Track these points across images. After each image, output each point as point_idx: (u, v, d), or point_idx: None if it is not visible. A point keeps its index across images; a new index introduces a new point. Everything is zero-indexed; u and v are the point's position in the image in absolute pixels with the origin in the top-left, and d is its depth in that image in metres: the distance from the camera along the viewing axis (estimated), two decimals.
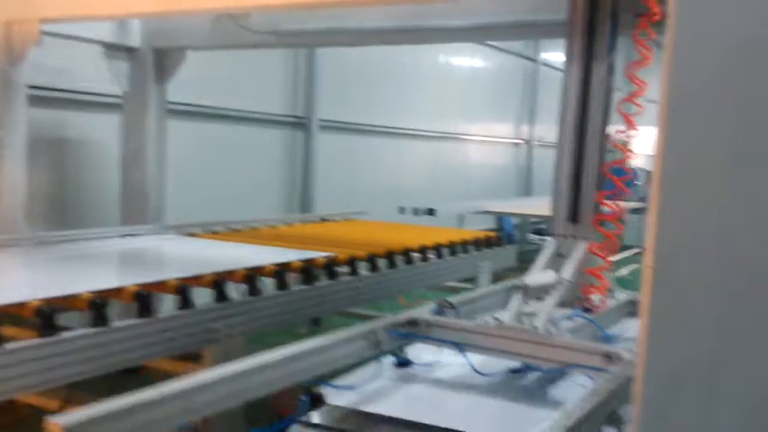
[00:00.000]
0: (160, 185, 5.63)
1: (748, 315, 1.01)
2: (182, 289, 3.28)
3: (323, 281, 4.14)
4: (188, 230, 5.17)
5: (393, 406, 2.67)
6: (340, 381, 2.72)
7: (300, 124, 9.05)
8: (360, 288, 4.38)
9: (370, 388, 2.77)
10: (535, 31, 5.42)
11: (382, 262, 4.61)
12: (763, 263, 0.92)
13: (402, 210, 8.08)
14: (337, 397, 2.62)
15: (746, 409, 1.04)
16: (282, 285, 3.86)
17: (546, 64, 15.17)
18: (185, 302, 3.27)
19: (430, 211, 8.06)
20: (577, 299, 3.91)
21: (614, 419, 2.49)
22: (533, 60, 14.92)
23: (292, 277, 4.03)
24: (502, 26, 4.94)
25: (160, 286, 3.34)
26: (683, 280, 0.99)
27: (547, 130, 15.36)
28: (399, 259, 4.78)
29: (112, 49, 5.33)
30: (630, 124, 3.89)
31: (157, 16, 5.00)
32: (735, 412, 1.05)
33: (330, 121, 9.32)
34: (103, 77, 5.33)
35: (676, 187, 0.91)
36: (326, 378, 2.76)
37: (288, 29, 5.34)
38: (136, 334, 3.00)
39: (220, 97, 7.54)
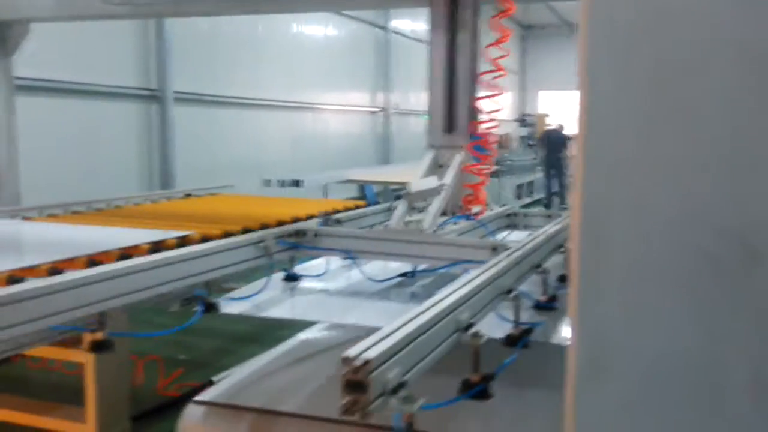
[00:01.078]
0: (12, 165, 5.29)
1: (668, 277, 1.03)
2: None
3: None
4: (49, 212, 4.91)
5: (283, 311, 2.83)
6: (232, 294, 2.84)
7: (154, 96, 8.75)
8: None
9: (260, 299, 2.87)
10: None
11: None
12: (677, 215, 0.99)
13: (267, 182, 8.03)
14: (229, 307, 2.76)
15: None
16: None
17: (396, 32, 15.46)
18: None
19: (296, 183, 8.07)
20: (459, 208, 4.19)
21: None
22: (384, 28, 15.17)
23: None
24: None
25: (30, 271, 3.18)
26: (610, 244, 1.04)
27: (403, 97, 15.72)
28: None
29: None
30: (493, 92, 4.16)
31: None
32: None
33: (185, 93, 9.07)
34: None
35: (597, 153, 1.00)
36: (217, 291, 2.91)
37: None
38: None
39: (68, 70, 7.15)
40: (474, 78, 4.25)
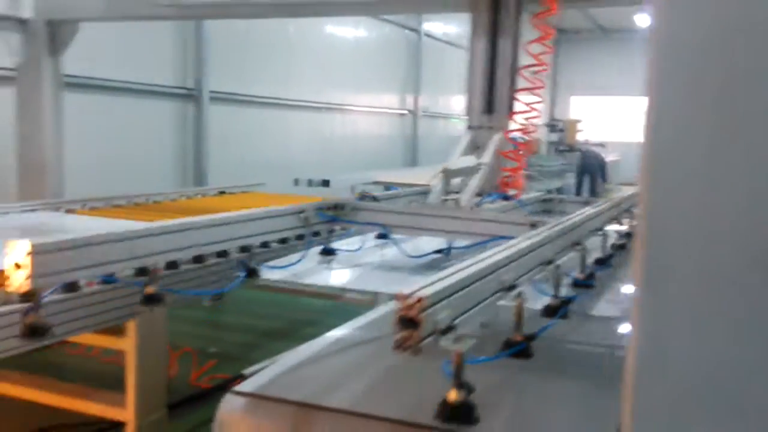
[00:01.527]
0: (57, 159, 5.51)
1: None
2: None
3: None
4: (91, 205, 5.10)
5: (320, 279, 3.05)
6: (272, 263, 3.03)
7: (190, 95, 8.96)
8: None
9: (298, 268, 3.04)
10: (433, 4, 5.70)
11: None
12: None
13: (297, 182, 8.19)
14: (269, 273, 2.97)
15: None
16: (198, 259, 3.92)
17: (428, 35, 15.57)
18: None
19: (325, 183, 8.22)
20: (495, 188, 4.39)
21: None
22: (416, 31, 15.28)
23: None
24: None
25: None
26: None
27: (432, 100, 15.83)
28: None
29: (2, 20, 5.14)
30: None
31: None
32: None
33: (220, 92, 9.28)
34: None
35: (665, 170, 1.08)
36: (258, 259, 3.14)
37: (181, 1, 5.34)
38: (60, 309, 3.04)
39: (111, 68, 7.37)
40: (515, 63, 4.40)
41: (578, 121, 19.37)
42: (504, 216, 3.31)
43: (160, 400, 3.65)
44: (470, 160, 4.08)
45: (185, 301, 3.91)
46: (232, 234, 3.08)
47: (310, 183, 8.26)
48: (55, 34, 5.43)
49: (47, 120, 5.39)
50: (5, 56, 5.31)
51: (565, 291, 2.77)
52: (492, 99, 4.41)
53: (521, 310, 2.34)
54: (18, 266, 2.21)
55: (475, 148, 4.43)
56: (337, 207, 3.45)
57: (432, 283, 1.95)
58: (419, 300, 1.90)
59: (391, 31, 14.46)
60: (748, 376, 1.08)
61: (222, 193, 6.93)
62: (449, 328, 1.95)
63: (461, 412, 1.93)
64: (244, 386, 2.76)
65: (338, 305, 5.95)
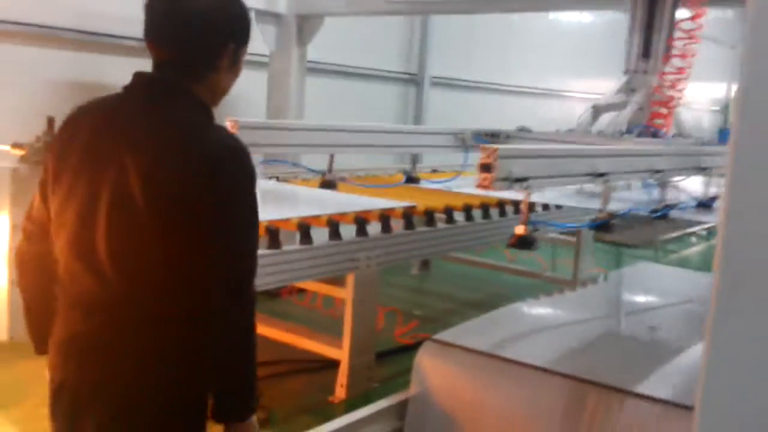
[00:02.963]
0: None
1: None
2: (332, 224, 3.91)
3: (441, 225, 4.62)
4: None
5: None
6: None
7: (412, 80, 9.59)
8: (469, 233, 4.83)
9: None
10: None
11: (493, 212, 5.02)
12: None
13: None
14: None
15: None
16: (408, 226, 4.40)
17: None
18: (335, 234, 3.89)
19: None
20: (644, 128, 5.11)
21: None
22: None
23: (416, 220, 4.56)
24: None
25: (315, 219, 3.95)
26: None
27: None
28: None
29: (263, 14, 6.01)
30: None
31: None
32: None
33: (440, 77, 9.80)
34: (254, 39, 6.01)
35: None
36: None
37: None
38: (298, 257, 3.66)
39: (345, 55, 8.16)
40: (672, 16, 5.02)
41: None
42: (646, 148, 4.13)
43: (371, 346, 4.21)
44: (620, 97, 4.76)
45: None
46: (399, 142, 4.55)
47: None
48: (303, 27, 6.22)
49: (292, 100, 6.20)
50: (263, 45, 6.17)
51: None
52: (649, 44, 5.01)
53: (607, 194, 3.44)
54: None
55: (630, 90, 5.05)
56: (494, 135, 4.06)
57: (519, 151, 3.10)
58: (495, 150, 2.72)
59: (616, 16, 14.13)
60: None
61: (434, 171, 7.41)
62: (524, 179, 2.84)
63: (525, 242, 3.10)
64: (440, 336, 3.23)
65: (537, 283, 6.22)
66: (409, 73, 9.52)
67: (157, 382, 1.67)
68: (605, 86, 14.46)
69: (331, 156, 5.06)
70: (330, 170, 5.10)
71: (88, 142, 1.69)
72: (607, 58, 14.06)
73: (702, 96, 14.52)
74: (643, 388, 2.67)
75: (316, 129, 4.91)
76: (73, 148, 1.70)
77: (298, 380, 4.32)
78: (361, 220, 4.08)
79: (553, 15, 12.34)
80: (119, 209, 1.63)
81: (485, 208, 4.89)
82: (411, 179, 5.52)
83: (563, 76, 12.87)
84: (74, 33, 5.57)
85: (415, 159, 5.70)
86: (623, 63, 5.38)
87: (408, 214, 4.43)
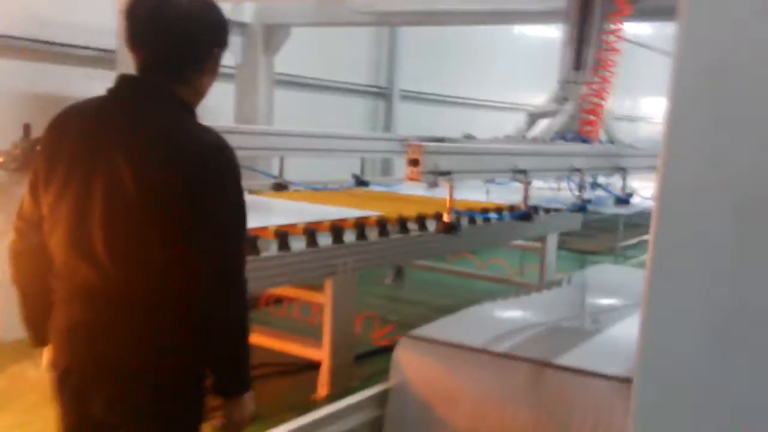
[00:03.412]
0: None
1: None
2: (309, 232, 4.01)
3: (414, 233, 4.74)
4: (295, 188, 5.82)
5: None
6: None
7: (381, 93, 9.77)
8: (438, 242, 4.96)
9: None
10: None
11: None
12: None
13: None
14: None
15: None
16: (382, 233, 4.52)
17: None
18: (312, 242, 4.00)
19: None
20: (574, 134, 5.68)
21: None
22: None
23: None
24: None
25: (291, 228, 4.05)
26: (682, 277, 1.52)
27: (632, 102, 15.58)
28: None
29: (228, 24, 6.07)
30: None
31: None
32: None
33: (410, 91, 9.99)
34: None
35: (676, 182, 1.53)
36: None
37: (379, 9, 6.03)
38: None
39: (313, 68, 8.31)
40: (600, 30, 5.48)
41: None
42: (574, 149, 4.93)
43: (350, 347, 4.34)
44: (552, 106, 5.22)
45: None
46: None
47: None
48: (270, 37, 6.31)
49: (260, 112, 6.30)
50: (228, 56, 6.26)
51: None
52: (580, 57, 5.52)
53: (527, 188, 4.20)
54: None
55: (563, 99, 5.61)
56: (439, 140, 4.76)
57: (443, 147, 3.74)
58: (421, 146, 3.32)
59: None
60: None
61: None
62: (447, 172, 3.45)
63: (451, 227, 3.84)
64: (415, 332, 3.39)
65: (506, 288, 6.39)
66: (379, 87, 9.69)
67: (158, 360, 1.77)
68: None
69: (281, 159, 5.34)
70: (280, 174, 5.43)
71: (78, 141, 1.78)
72: None
73: (658, 109, 14.91)
74: (595, 367, 2.90)
75: (266, 133, 5.26)
76: (63, 148, 1.79)
77: (281, 381, 4.45)
78: (337, 228, 4.20)
79: (516, 31, 12.62)
80: (113, 202, 1.72)
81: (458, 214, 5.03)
82: (361, 182, 5.89)
83: (531, 89, 13.11)
84: (33, 42, 5.50)
85: (363, 163, 6.19)
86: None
87: (383, 222, 4.54)
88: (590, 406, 2.81)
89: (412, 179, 3.51)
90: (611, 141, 6.26)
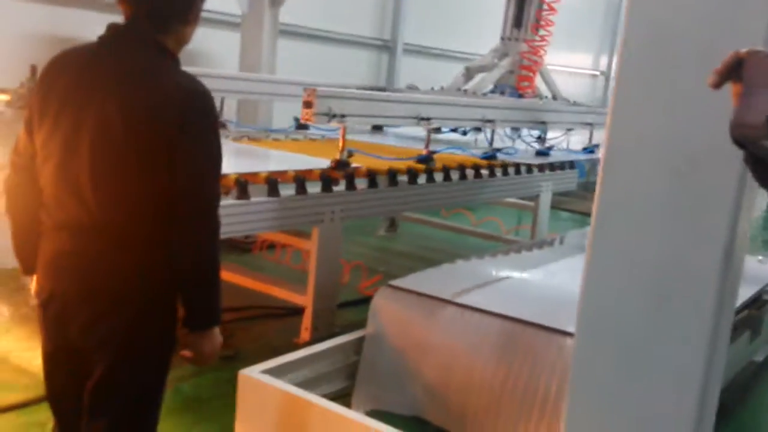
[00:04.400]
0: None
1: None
2: (299, 179, 4.11)
3: (404, 185, 4.82)
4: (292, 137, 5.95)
5: None
6: None
7: (385, 47, 9.76)
8: (435, 194, 5.05)
9: None
10: None
11: (454, 174, 5.22)
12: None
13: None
14: None
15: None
16: (372, 184, 4.61)
17: None
18: (301, 189, 4.10)
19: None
20: (510, 88, 6.19)
21: None
22: None
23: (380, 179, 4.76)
24: None
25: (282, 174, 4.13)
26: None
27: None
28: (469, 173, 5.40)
29: None
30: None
31: None
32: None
33: (414, 45, 9.97)
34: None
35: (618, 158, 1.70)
36: None
37: None
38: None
39: (316, 19, 8.31)
40: None
41: None
42: (497, 101, 5.54)
43: (334, 294, 4.47)
44: (490, 59, 5.93)
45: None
46: None
47: None
48: None
49: (264, 61, 6.36)
50: (235, 5, 6.30)
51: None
52: (521, 15, 6.03)
53: (429, 135, 4.71)
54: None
55: (503, 54, 6.09)
56: (380, 90, 5.53)
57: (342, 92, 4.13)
58: (314, 90, 3.59)
59: None
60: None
61: None
62: (342, 116, 3.82)
63: (342, 163, 4.05)
64: (394, 282, 3.52)
65: (498, 246, 6.50)
66: (382, 39, 9.68)
67: (136, 289, 1.92)
68: (577, 60, 14.61)
69: (222, 99, 5.32)
70: (221, 113, 5.54)
71: (70, 83, 1.91)
72: (577, 29, 14.22)
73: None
74: (565, 326, 3.01)
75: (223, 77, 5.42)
76: (57, 89, 1.92)
77: (265, 324, 4.62)
78: (325, 177, 4.28)
79: None
80: (100, 140, 1.85)
81: (446, 170, 5.10)
82: (301, 126, 5.93)
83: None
84: None
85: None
86: (597, 40, 6.19)
87: (372, 173, 4.61)
88: (558, 362, 2.91)
89: (306, 120, 3.82)
90: (554, 97, 6.69)
